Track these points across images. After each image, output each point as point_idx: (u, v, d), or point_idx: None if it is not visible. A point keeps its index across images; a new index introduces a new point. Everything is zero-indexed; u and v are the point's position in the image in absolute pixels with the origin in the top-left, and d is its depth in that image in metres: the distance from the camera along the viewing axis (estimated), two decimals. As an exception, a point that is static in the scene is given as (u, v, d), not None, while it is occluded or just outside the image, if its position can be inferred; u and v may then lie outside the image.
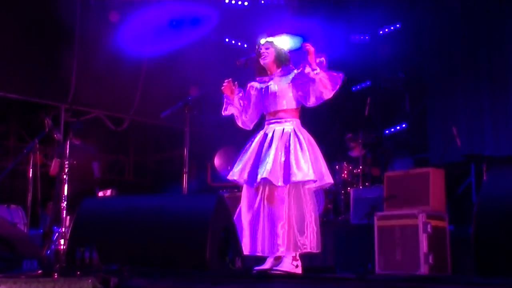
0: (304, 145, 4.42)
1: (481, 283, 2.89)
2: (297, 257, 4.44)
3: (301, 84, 4.51)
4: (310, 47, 4.38)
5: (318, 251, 4.48)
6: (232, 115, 4.80)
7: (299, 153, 4.37)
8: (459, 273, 5.52)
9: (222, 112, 4.78)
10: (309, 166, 4.34)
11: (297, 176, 4.31)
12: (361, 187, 7.31)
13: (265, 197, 4.41)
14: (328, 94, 4.42)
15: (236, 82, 4.73)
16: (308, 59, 4.40)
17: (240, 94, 4.75)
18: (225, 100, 4.76)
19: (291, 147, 4.39)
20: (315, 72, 4.36)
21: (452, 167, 7.03)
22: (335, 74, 4.42)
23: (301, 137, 4.46)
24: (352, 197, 6.81)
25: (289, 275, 4.12)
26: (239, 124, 4.84)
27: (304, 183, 4.40)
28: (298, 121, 4.61)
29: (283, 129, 4.50)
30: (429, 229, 5.24)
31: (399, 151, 9.02)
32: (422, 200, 5.44)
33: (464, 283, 3.35)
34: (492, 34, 8.44)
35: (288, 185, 4.37)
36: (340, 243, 6.33)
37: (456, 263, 5.52)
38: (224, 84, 4.70)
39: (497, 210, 2.89)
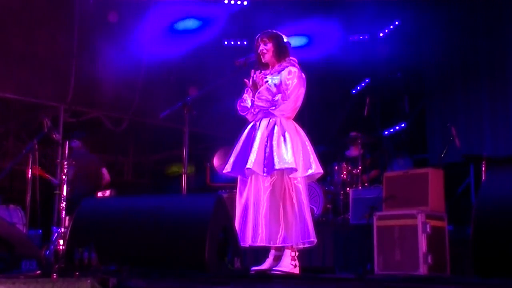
0: (287, 134, 4.45)
1: (480, 284, 2.90)
2: (296, 257, 4.44)
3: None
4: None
5: (309, 245, 4.49)
6: (239, 108, 4.75)
7: (281, 142, 4.40)
8: (458, 273, 5.53)
9: (239, 104, 4.72)
10: (289, 154, 4.35)
11: (277, 164, 4.34)
12: (360, 187, 7.31)
13: (253, 187, 4.45)
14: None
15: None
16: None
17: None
18: (246, 91, 4.71)
19: (274, 136, 4.43)
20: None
21: (451, 168, 7.04)
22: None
23: (285, 127, 4.49)
24: (351, 197, 6.81)
25: (288, 275, 4.13)
26: (249, 117, 4.74)
27: (285, 171, 4.40)
28: None
29: (269, 119, 4.53)
30: (428, 229, 5.24)
31: (398, 151, 9.02)
32: (421, 200, 5.44)
33: (463, 283, 3.36)
34: (491, 34, 8.44)
35: (274, 176, 4.39)
36: (339, 243, 6.33)
37: (455, 263, 5.53)
38: (256, 75, 4.61)
39: (496, 210, 2.89)
